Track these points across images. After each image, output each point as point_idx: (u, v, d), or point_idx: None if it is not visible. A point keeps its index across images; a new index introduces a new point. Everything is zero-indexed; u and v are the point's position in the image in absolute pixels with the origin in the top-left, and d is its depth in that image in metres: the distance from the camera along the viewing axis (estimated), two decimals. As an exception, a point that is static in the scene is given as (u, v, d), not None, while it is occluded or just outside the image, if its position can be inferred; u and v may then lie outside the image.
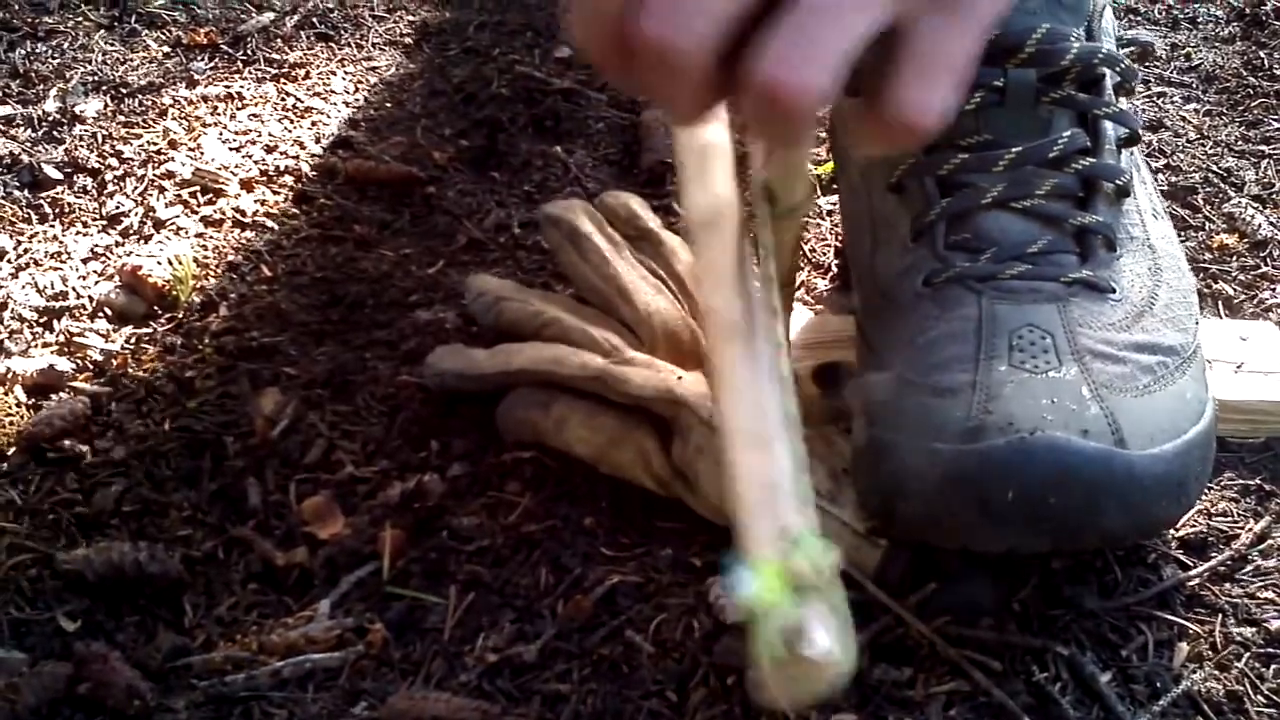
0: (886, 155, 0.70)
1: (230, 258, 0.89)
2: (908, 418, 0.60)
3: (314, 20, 1.23)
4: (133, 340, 0.82)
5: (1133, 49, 0.74)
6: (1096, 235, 0.65)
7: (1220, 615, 0.62)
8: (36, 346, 0.81)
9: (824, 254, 0.88)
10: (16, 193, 0.96)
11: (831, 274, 0.86)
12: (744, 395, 0.45)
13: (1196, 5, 1.21)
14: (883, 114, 0.40)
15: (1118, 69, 0.68)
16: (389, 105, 1.09)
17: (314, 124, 1.06)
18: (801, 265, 0.86)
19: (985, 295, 0.62)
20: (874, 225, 0.71)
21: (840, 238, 0.87)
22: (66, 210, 0.95)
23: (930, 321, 0.63)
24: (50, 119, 1.06)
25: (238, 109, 1.08)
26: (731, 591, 0.39)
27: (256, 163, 1.00)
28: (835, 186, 0.87)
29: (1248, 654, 0.60)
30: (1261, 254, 0.87)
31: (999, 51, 0.65)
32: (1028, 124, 0.67)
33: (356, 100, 1.10)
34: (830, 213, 0.93)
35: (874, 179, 0.72)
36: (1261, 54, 1.13)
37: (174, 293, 0.85)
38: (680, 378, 0.68)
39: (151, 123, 1.05)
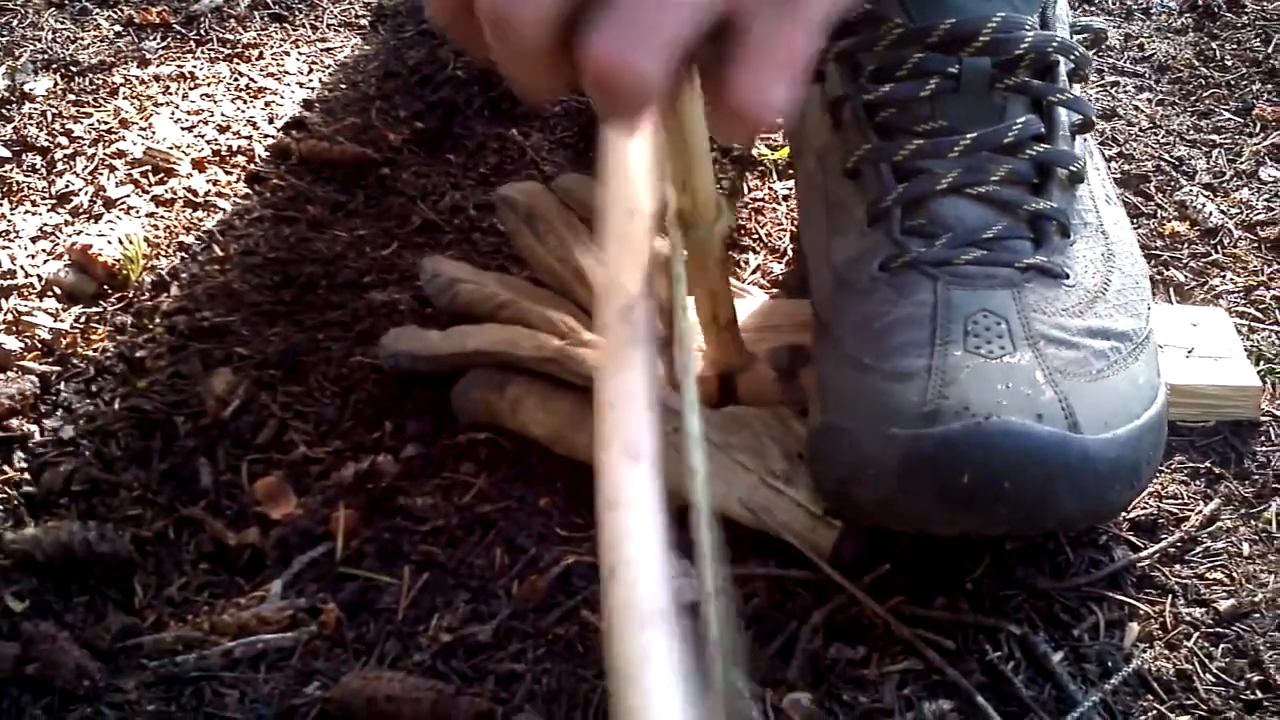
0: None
1: (182, 237, 0.88)
2: (863, 402, 0.60)
3: (268, 0, 1.22)
4: (82, 319, 0.81)
5: (1085, 35, 0.74)
6: (1050, 221, 0.65)
7: (1170, 596, 0.63)
8: (-16, 325, 0.80)
9: (779, 239, 0.88)
10: (-37, 171, 0.95)
11: (787, 259, 0.87)
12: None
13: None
14: (723, 105, 0.39)
15: (1072, 56, 0.69)
16: (343, 86, 1.08)
17: (267, 104, 1.05)
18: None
19: (940, 280, 0.62)
20: (830, 210, 0.71)
21: (795, 223, 0.87)
22: (15, 189, 0.93)
23: (886, 306, 0.63)
24: (-2, 96, 1.04)
25: (190, 88, 1.07)
26: None
27: (209, 143, 0.99)
28: (791, 172, 0.87)
29: (1197, 634, 0.61)
30: (1212, 241, 0.88)
31: (954, 39, 0.66)
32: (983, 111, 0.67)
33: (310, 81, 1.09)
34: (786, 197, 0.93)
35: (830, 164, 0.73)
36: (1213, 45, 1.13)
37: (124, 272, 0.84)
38: (636, 360, 0.68)
39: (102, 102, 1.04)
